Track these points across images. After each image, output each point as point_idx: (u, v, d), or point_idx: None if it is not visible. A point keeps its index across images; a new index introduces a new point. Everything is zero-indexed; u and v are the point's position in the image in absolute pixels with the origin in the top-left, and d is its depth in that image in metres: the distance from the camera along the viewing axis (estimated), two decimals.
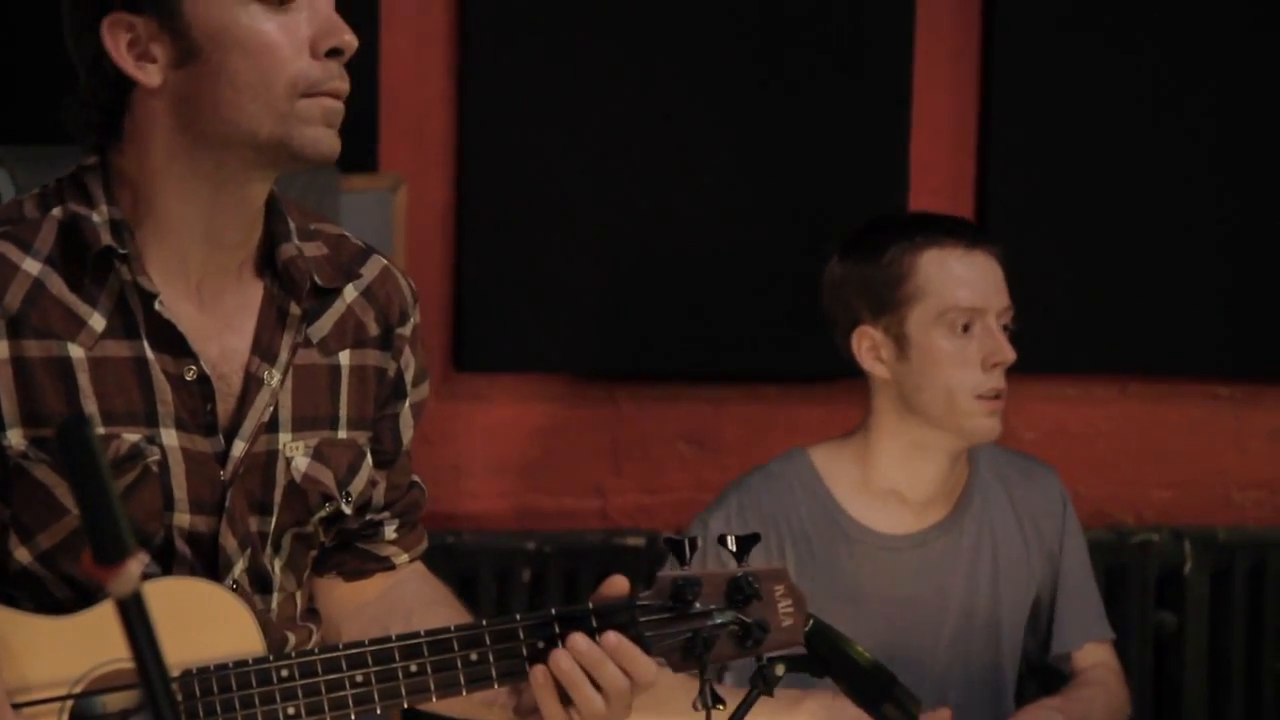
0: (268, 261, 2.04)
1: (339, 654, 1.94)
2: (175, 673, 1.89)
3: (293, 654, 1.95)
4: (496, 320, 3.68)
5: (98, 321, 1.96)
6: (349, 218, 3.19)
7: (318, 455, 2.05)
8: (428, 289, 3.60)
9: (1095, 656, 2.93)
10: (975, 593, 2.88)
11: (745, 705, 2.07)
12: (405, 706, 1.98)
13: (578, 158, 3.67)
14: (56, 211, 1.98)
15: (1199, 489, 3.96)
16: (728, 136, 3.73)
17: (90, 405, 1.94)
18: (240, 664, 1.92)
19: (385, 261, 2.13)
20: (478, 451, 3.73)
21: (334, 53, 1.94)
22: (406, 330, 2.12)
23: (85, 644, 1.92)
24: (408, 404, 2.14)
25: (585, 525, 3.75)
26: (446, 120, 3.66)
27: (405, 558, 2.18)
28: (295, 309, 2.03)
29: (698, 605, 1.98)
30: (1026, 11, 3.82)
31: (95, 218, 1.96)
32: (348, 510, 2.08)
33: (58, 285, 1.96)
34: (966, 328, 2.80)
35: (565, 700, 1.95)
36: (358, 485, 2.08)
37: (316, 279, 2.05)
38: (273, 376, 2.01)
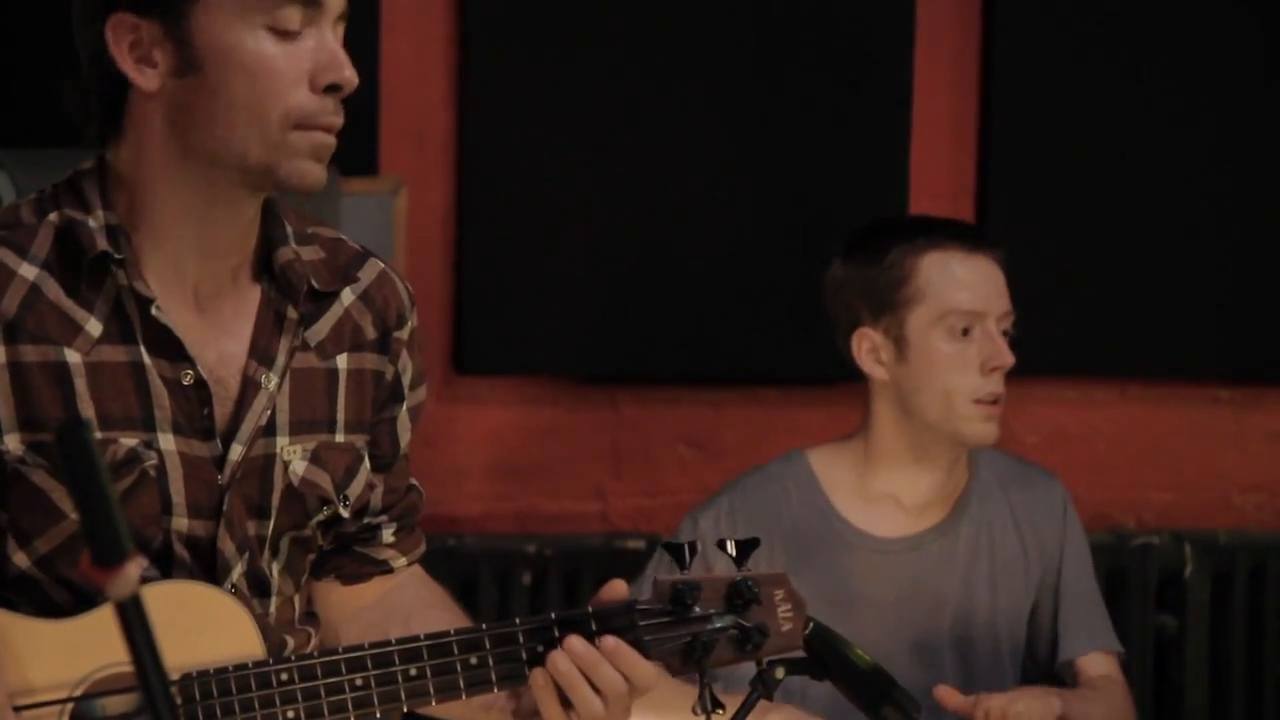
0: (265, 265, 2.04)
1: (338, 657, 1.94)
2: (175, 676, 1.89)
3: (292, 657, 1.95)
4: (497, 323, 3.68)
5: (94, 327, 1.96)
6: (349, 220, 3.19)
7: (315, 459, 2.05)
8: (428, 292, 3.61)
9: (1101, 668, 2.91)
10: (972, 597, 2.88)
11: (745, 709, 2.07)
12: (405, 710, 1.98)
13: (578, 160, 3.67)
14: (53, 216, 1.98)
15: (1199, 492, 3.96)
16: (728, 139, 3.73)
17: (88, 410, 1.94)
18: (240, 667, 1.92)
19: (382, 265, 2.13)
20: (478, 454, 3.73)
21: (333, 88, 1.93)
22: (404, 334, 2.12)
23: (85, 647, 1.92)
24: (405, 407, 2.14)
25: (585, 528, 3.75)
26: (447, 123, 3.66)
27: (403, 561, 2.18)
28: (292, 313, 2.03)
29: (697, 609, 1.97)
30: (1026, 14, 3.82)
31: (91, 223, 1.96)
32: (345, 514, 2.08)
33: (54, 290, 1.95)
34: (966, 331, 2.80)
35: (565, 704, 1.95)
36: (355, 489, 2.08)
37: (314, 283, 2.05)
38: (270, 380, 2.01)
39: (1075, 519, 2.95)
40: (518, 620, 1.97)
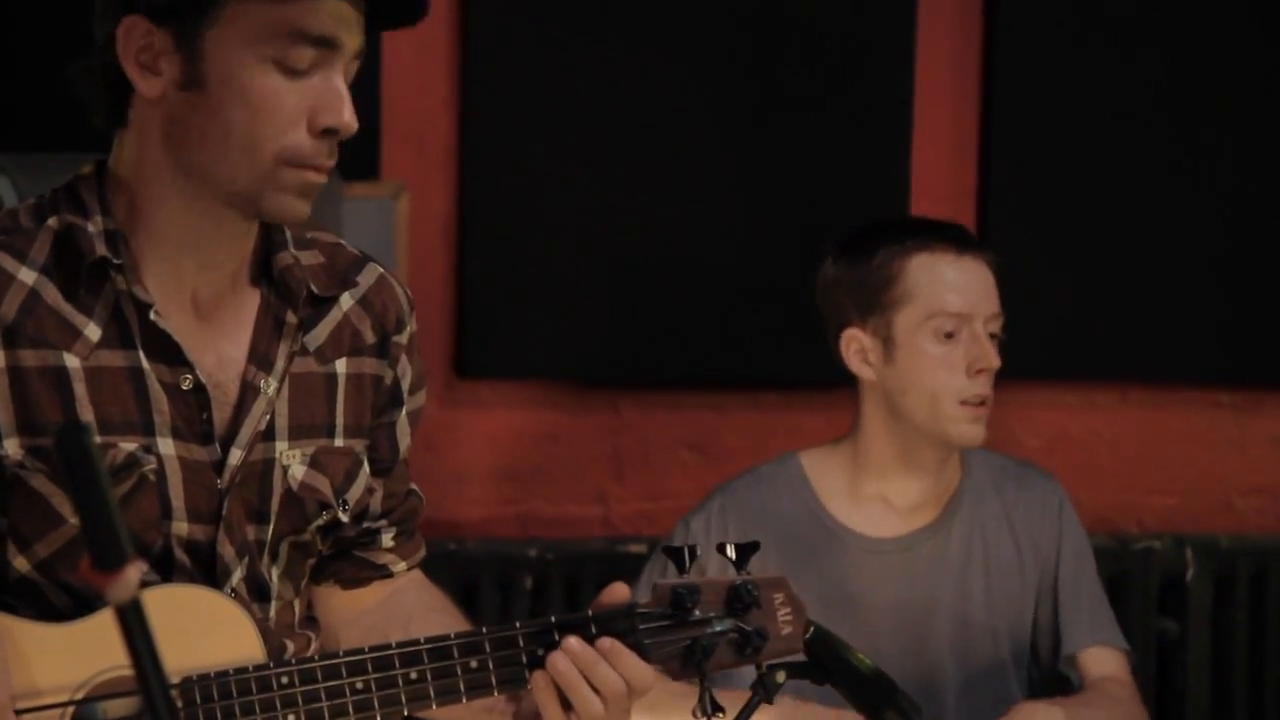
0: (264, 270, 2.04)
1: (339, 661, 1.94)
2: (175, 679, 1.90)
3: (292, 661, 1.96)
4: (498, 327, 3.68)
5: (93, 331, 1.96)
6: (351, 225, 3.20)
7: (314, 463, 2.05)
8: (429, 296, 3.61)
9: (1106, 666, 2.89)
10: (968, 598, 2.88)
11: (746, 712, 2.07)
12: (405, 714, 1.98)
13: (579, 165, 3.67)
14: (52, 221, 1.98)
15: (1201, 496, 3.96)
16: (730, 143, 3.73)
17: (87, 415, 1.94)
18: (240, 671, 1.92)
19: (381, 270, 2.13)
20: (480, 458, 3.73)
21: (331, 131, 1.93)
22: (403, 338, 2.12)
23: (86, 651, 1.92)
24: (405, 412, 2.14)
25: (587, 532, 3.75)
26: (448, 128, 3.66)
27: (403, 566, 2.18)
28: (292, 318, 2.03)
29: (697, 613, 1.98)
30: (1028, 18, 3.82)
31: (90, 228, 1.96)
32: (345, 518, 2.09)
33: (53, 295, 1.96)
34: (953, 333, 2.80)
35: (565, 706, 1.95)
36: (355, 493, 2.09)
37: (313, 287, 2.05)
38: (269, 385, 2.01)
39: (1072, 517, 2.94)
40: (518, 623, 1.97)
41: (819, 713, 2.66)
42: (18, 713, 1.91)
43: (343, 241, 2.13)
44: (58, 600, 1.96)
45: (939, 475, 2.87)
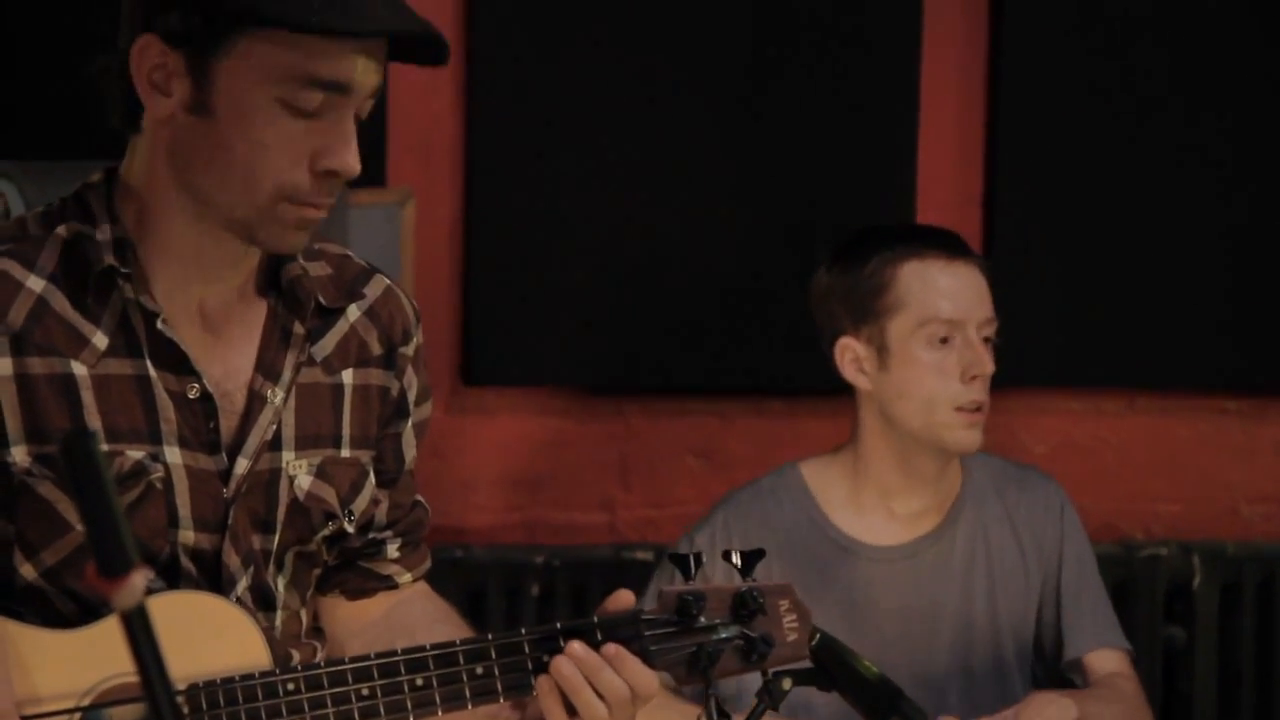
0: (272, 280, 2.04)
1: (344, 667, 1.95)
2: (182, 686, 1.90)
3: (298, 667, 1.96)
4: (505, 334, 3.68)
5: (100, 339, 1.96)
6: (357, 232, 3.20)
7: (321, 473, 2.05)
8: (436, 303, 3.61)
9: (1110, 665, 2.90)
10: (971, 603, 2.88)
11: (752, 718, 2.07)
12: None
13: (585, 172, 3.68)
14: (60, 229, 1.99)
15: (1207, 503, 3.95)
16: (735, 150, 3.73)
17: (94, 422, 1.94)
18: (246, 677, 1.93)
19: (388, 281, 2.14)
20: (486, 465, 3.73)
21: (333, 173, 1.93)
22: (409, 349, 2.13)
23: (92, 657, 1.92)
24: (410, 423, 2.14)
25: (593, 539, 3.75)
26: (454, 135, 3.67)
27: (408, 577, 2.18)
28: (299, 328, 2.04)
29: (702, 620, 1.98)
30: (1034, 24, 3.82)
31: (98, 236, 1.97)
32: (350, 529, 2.09)
33: (61, 303, 1.96)
34: (946, 339, 2.80)
35: (570, 712, 1.95)
36: (360, 504, 2.09)
37: (320, 299, 2.05)
38: (276, 395, 2.01)
39: (1074, 519, 2.94)
40: (523, 630, 1.98)
41: None
42: (24, 719, 1.91)
43: (350, 253, 2.13)
44: (64, 607, 1.97)
45: (939, 482, 2.87)
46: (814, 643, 2.05)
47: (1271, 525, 3.97)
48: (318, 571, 2.11)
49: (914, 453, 2.84)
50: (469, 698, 1.96)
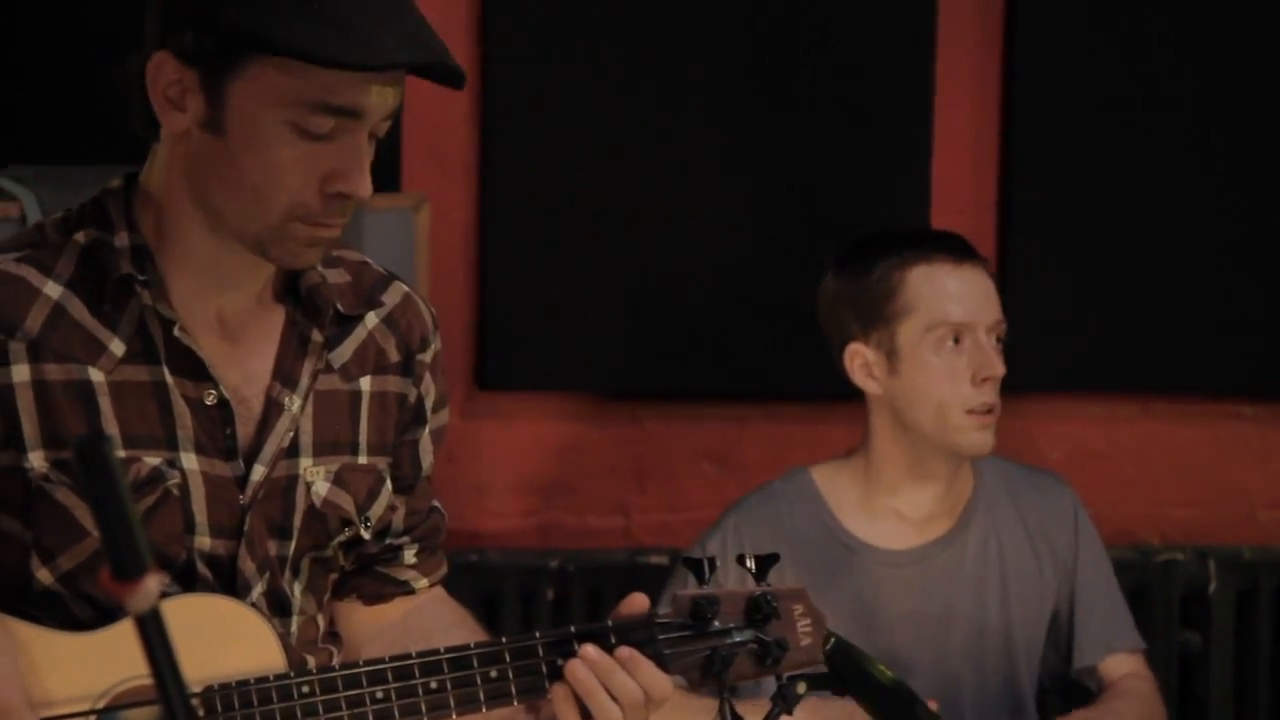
0: (290, 286, 2.04)
1: (359, 670, 1.95)
2: (197, 688, 1.90)
3: (313, 670, 1.96)
4: (519, 339, 3.68)
5: (118, 346, 1.97)
6: (371, 237, 3.20)
7: (338, 480, 2.05)
8: (450, 308, 3.61)
9: (1125, 667, 2.90)
10: (984, 608, 2.88)
11: None
12: None
13: (600, 176, 3.68)
14: (79, 236, 1.99)
15: (1223, 508, 3.95)
16: (750, 156, 3.73)
17: (111, 429, 1.95)
18: (261, 680, 1.93)
19: (406, 288, 2.13)
20: (501, 470, 3.73)
21: (344, 195, 1.92)
22: (427, 357, 2.13)
23: (108, 660, 1.93)
24: (428, 430, 2.14)
25: (608, 544, 3.75)
26: (469, 139, 3.67)
27: (425, 582, 2.19)
28: (317, 336, 2.04)
29: (716, 624, 1.98)
30: (1048, 28, 3.82)
31: (116, 243, 1.97)
32: (367, 535, 2.09)
33: (78, 309, 1.96)
34: (956, 342, 2.80)
35: (585, 715, 1.95)
36: (377, 510, 2.09)
37: (339, 306, 2.05)
38: (293, 402, 2.02)
39: (1087, 521, 2.94)
40: (537, 633, 1.98)
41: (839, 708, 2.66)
42: None
43: (369, 260, 2.13)
44: (80, 612, 1.97)
45: (951, 485, 2.87)
46: (829, 647, 2.05)
47: None
48: (334, 576, 2.12)
49: (926, 456, 2.84)
50: (483, 700, 1.96)
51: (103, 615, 1.95)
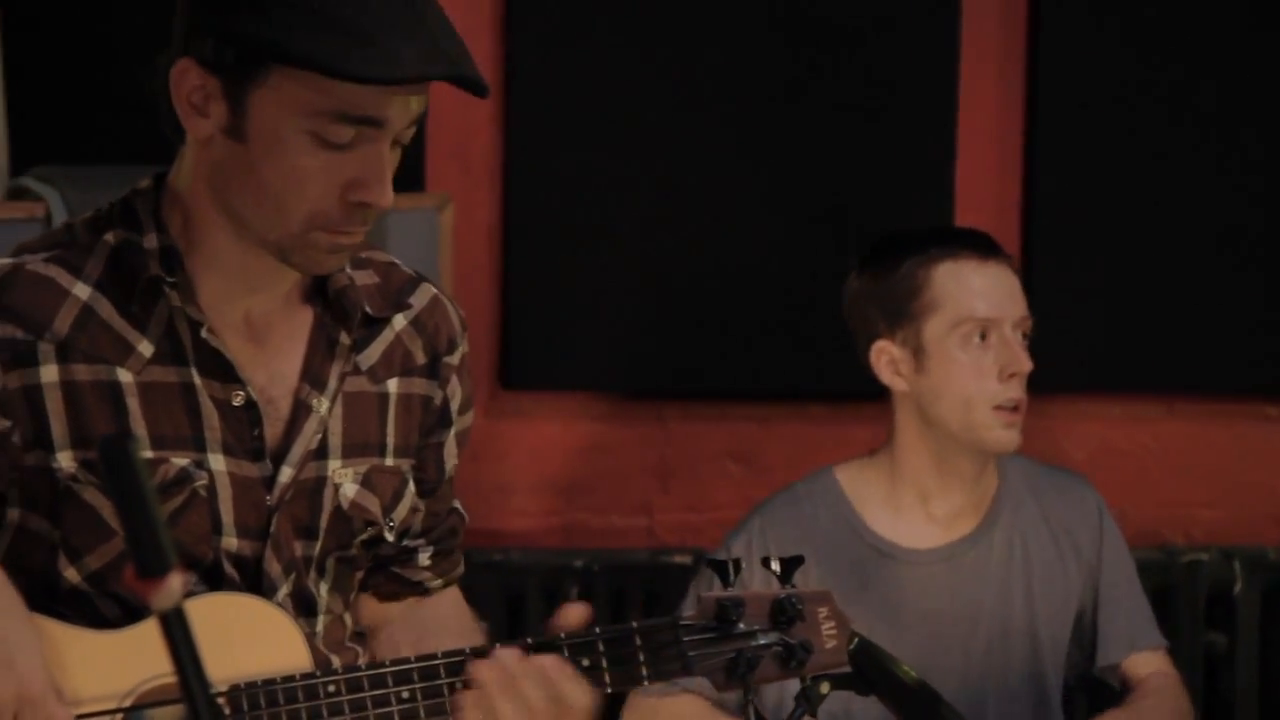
0: (317, 286, 2.05)
1: (385, 670, 1.95)
2: (223, 687, 1.91)
3: (339, 669, 1.96)
4: (543, 339, 3.69)
5: (146, 347, 1.97)
6: (395, 237, 3.20)
7: (366, 482, 2.05)
8: (474, 308, 3.62)
9: (1150, 665, 2.90)
10: (1009, 606, 2.87)
11: None
12: None
13: (624, 177, 3.68)
14: (108, 236, 1.99)
15: (1248, 508, 3.94)
16: (774, 156, 3.73)
17: (139, 429, 1.95)
18: (288, 679, 1.93)
19: (435, 291, 2.13)
20: (525, 469, 3.74)
21: (365, 204, 1.92)
22: (454, 359, 2.12)
23: (135, 658, 1.93)
24: (453, 433, 2.14)
25: (632, 543, 3.75)
26: (492, 139, 3.68)
27: (439, 583, 2.19)
28: (345, 338, 2.04)
29: (741, 626, 1.98)
30: (1072, 28, 3.81)
31: (145, 244, 1.98)
32: (390, 537, 2.09)
33: (107, 310, 1.97)
34: (983, 338, 2.81)
35: None
36: (401, 512, 2.09)
37: (367, 309, 2.05)
38: (322, 404, 2.02)
39: (1110, 520, 2.94)
40: (563, 635, 1.98)
41: None
42: None
43: (397, 261, 2.13)
44: (108, 610, 1.98)
45: (976, 483, 2.87)
46: (853, 647, 2.05)
47: None
48: (360, 574, 2.12)
49: (951, 453, 2.84)
50: None
51: (130, 614, 1.96)
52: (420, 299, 2.11)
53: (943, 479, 2.86)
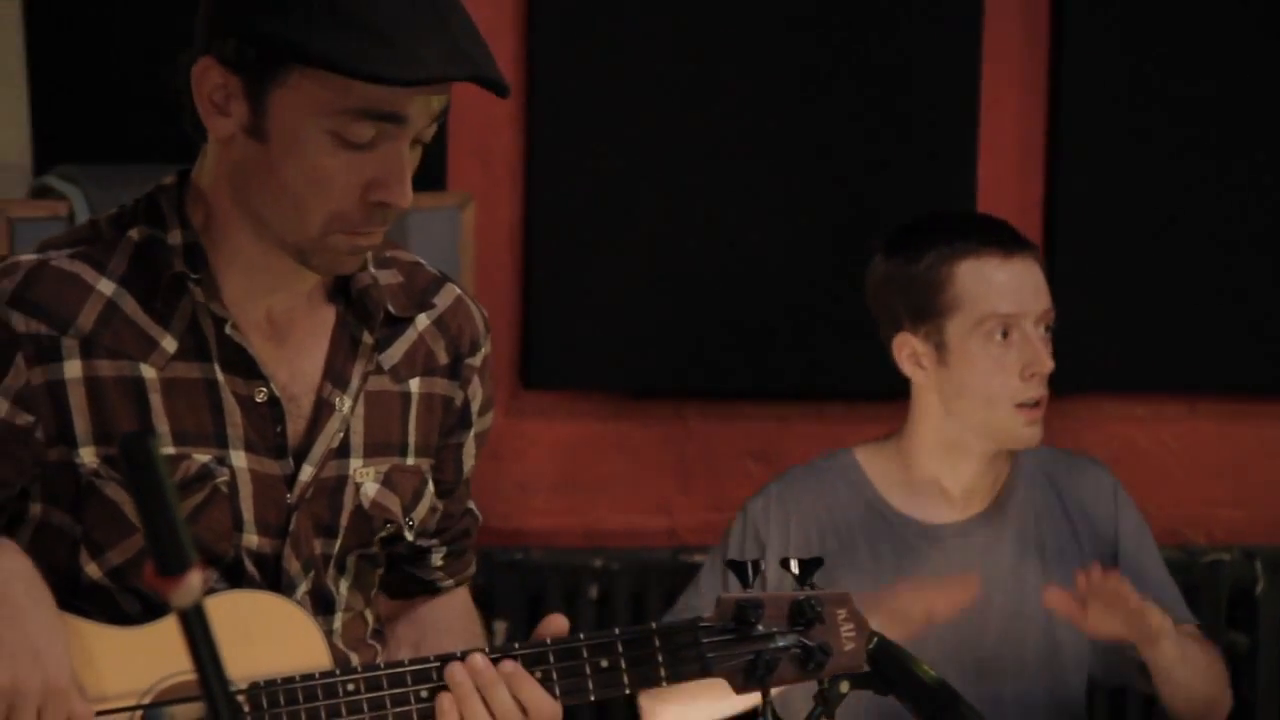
0: (340, 285, 2.05)
1: (405, 669, 1.96)
2: (243, 684, 1.91)
3: (358, 668, 1.97)
4: (564, 338, 3.69)
5: (170, 343, 1.97)
6: (417, 235, 3.21)
7: (387, 481, 2.05)
8: (495, 307, 3.62)
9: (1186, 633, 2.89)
10: (1023, 584, 2.87)
11: None
12: None
13: (645, 176, 3.68)
14: (133, 233, 2.00)
15: (1270, 508, 3.93)
16: (795, 155, 3.73)
17: (162, 426, 1.95)
18: (307, 677, 1.94)
19: (459, 291, 2.13)
20: (545, 468, 3.74)
21: (384, 204, 1.92)
22: (476, 360, 2.12)
23: (155, 654, 1.94)
24: (472, 434, 2.14)
25: (652, 542, 3.75)
26: (514, 138, 3.68)
27: (450, 583, 2.19)
28: (368, 338, 2.04)
29: (760, 628, 1.98)
30: (1095, 26, 3.80)
31: (169, 240, 1.98)
32: (409, 536, 2.09)
33: (131, 306, 1.97)
34: (1006, 334, 2.80)
35: None
36: (420, 512, 2.09)
37: (390, 308, 2.05)
38: (344, 403, 2.02)
39: (1127, 500, 2.93)
40: (582, 636, 1.98)
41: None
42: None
43: (421, 261, 2.13)
44: (129, 606, 1.98)
45: (991, 463, 2.88)
46: (872, 645, 2.05)
47: None
48: (380, 571, 2.12)
49: (969, 443, 2.85)
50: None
51: (150, 610, 1.96)
52: (444, 299, 2.11)
53: (957, 459, 2.86)
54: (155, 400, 1.96)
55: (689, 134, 3.69)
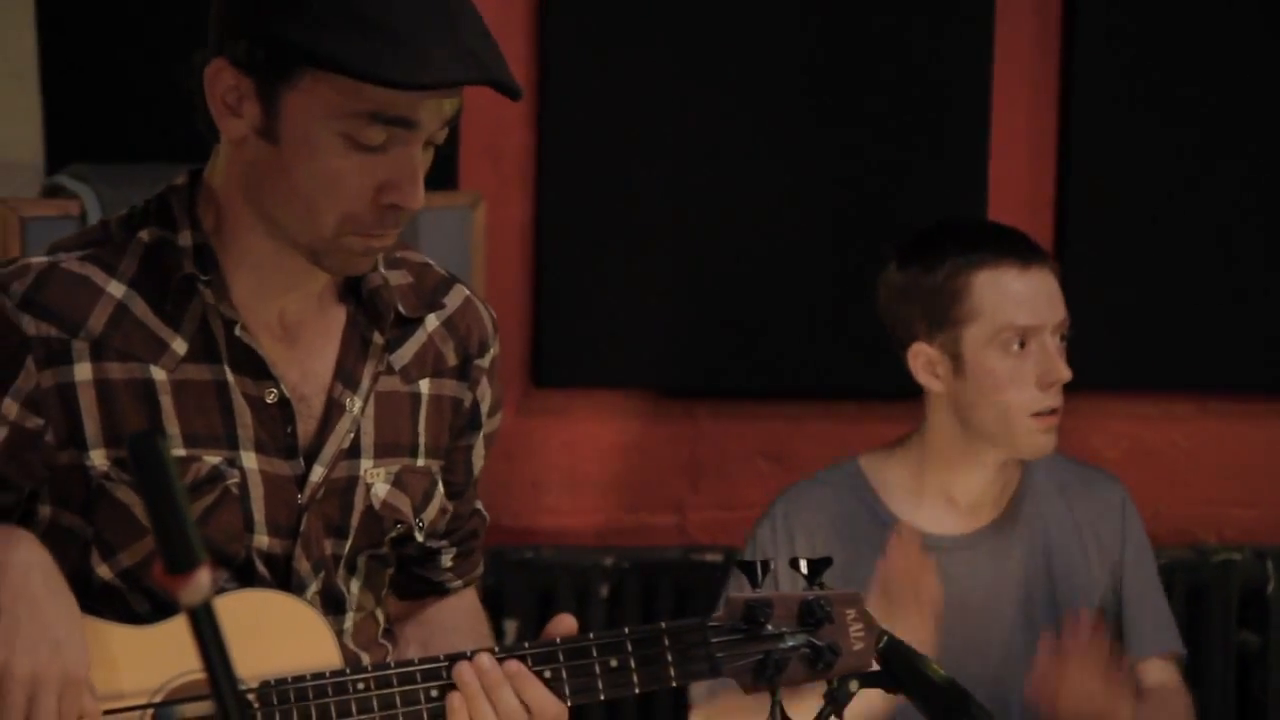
0: (350, 286, 2.05)
1: (414, 668, 1.96)
2: (253, 683, 1.92)
3: (369, 667, 1.97)
4: (575, 336, 3.69)
5: (180, 345, 1.98)
6: (428, 235, 3.21)
7: (397, 482, 2.06)
8: (507, 306, 3.62)
9: (1159, 675, 2.89)
10: (1031, 598, 2.87)
11: None
12: None
13: (656, 175, 3.68)
14: (143, 234, 2.00)
15: None
16: (807, 154, 3.73)
17: (172, 427, 1.96)
18: (317, 676, 1.94)
19: (468, 292, 2.13)
20: (556, 467, 3.74)
21: (396, 206, 1.92)
22: (485, 361, 2.13)
23: (166, 654, 1.94)
24: (481, 435, 2.14)
25: (663, 541, 3.75)
26: (525, 138, 3.68)
27: (459, 584, 2.20)
28: (378, 338, 2.04)
29: (769, 627, 1.98)
30: (1106, 27, 3.80)
31: (180, 242, 1.98)
32: (420, 537, 2.10)
33: (141, 308, 1.98)
34: (1022, 345, 2.80)
35: None
36: (430, 513, 2.10)
37: (400, 309, 2.06)
38: (355, 403, 2.02)
39: (1135, 518, 2.93)
40: (591, 635, 1.98)
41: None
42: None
43: (431, 262, 2.13)
44: (139, 606, 1.99)
45: (1001, 473, 2.88)
46: (881, 645, 2.05)
47: None
48: (391, 571, 2.13)
49: (982, 451, 2.84)
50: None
51: (161, 610, 1.97)
52: (453, 300, 2.11)
53: (968, 469, 2.86)
54: (165, 402, 1.96)
55: (699, 134, 3.69)
